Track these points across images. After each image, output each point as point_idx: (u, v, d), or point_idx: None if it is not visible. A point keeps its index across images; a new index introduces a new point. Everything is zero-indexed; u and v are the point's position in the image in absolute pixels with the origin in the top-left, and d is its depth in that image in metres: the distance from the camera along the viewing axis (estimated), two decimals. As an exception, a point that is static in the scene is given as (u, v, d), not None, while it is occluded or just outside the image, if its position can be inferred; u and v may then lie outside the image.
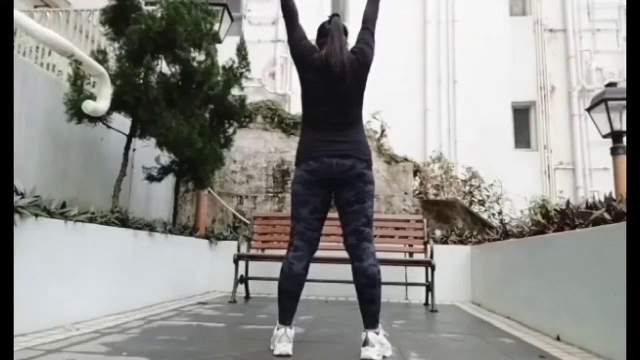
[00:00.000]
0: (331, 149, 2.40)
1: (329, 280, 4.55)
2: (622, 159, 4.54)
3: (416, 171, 7.72)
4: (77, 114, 4.12)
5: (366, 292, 2.32)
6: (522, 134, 10.65)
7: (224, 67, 5.18)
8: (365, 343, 2.24)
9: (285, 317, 2.35)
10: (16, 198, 2.50)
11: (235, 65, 5.25)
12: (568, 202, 3.40)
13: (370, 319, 2.31)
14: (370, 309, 2.32)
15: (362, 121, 2.57)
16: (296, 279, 2.37)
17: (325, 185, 2.42)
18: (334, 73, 2.39)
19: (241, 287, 4.79)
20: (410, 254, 4.95)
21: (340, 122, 2.45)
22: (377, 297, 2.33)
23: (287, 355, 2.23)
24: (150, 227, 4.04)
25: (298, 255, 2.38)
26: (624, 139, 4.71)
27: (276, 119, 7.48)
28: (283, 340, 2.27)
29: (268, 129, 7.43)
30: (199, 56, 4.80)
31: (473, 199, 8.00)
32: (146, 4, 4.83)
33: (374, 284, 2.32)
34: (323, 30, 2.57)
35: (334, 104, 2.44)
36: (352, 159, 2.39)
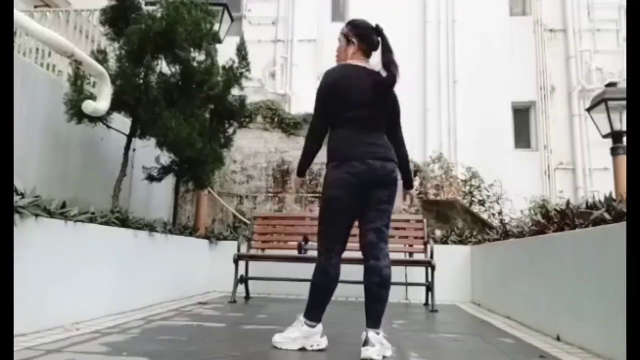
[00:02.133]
0: (374, 152, 2.43)
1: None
2: (622, 159, 4.54)
3: (416, 171, 7.72)
4: (77, 114, 4.12)
5: (377, 291, 2.36)
6: (522, 134, 10.64)
7: (224, 67, 5.18)
8: (366, 343, 2.25)
9: (321, 315, 2.47)
10: (16, 198, 2.50)
11: (235, 65, 5.25)
12: (568, 202, 3.40)
13: (374, 319, 2.34)
14: (377, 309, 2.35)
15: None
16: (336, 280, 2.46)
17: (367, 187, 2.42)
18: (384, 84, 2.49)
19: (241, 287, 4.79)
20: (410, 254, 4.95)
21: (376, 125, 2.51)
22: (386, 298, 2.39)
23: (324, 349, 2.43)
24: (150, 227, 4.04)
25: (337, 259, 2.45)
26: (624, 139, 4.71)
27: (276, 119, 7.49)
28: (323, 334, 2.47)
29: (268, 129, 7.43)
30: (199, 56, 4.80)
31: (473, 199, 8.00)
32: (146, 4, 4.83)
33: (385, 285, 2.37)
34: (375, 35, 2.56)
35: (373, 108, 2.50)
36: (392, 162, 2.48)
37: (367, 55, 2.58)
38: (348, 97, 2.47)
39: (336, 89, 2.48)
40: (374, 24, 2.59)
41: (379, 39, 2.55)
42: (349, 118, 2.47)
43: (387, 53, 2.51)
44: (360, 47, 2.56)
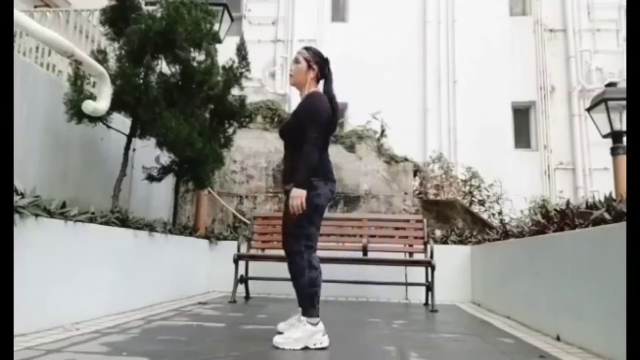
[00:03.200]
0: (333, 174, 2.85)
1: (329, 280, 4.54)
2: (622, 159, 4.54)
3: (416, 171, 7.72)
4: (77, 114, 4.12)
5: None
6: (522, 134, 10.64)
7: (224, 67, 5.17)
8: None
9: (318, 309, 2.58)
10: (16, 198, 2.50)
11: (235, 65, 5.24)
12: (568, 202, 3.40)
13: None
14: None
15: None
16: (321, 272, 2.68)
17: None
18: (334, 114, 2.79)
19: (241, 287, 4.79)
20: (410, 254, 4.95)
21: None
22: None
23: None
24: (150, 227, 4.04)
25: (316, 255, 2.72)
26: (624, 139, 4.71)
27: (276, 119, 7.49)
28: (325, 333, 2.54)
29: (268, 129, 7.43)
30: (199, 56, 4.79)
31: (473, 199, 8.00)
32: (146, 4, 4.83)
33: None
34: (327, 69, 2.84)
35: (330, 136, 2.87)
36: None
37: (319, 82, 2.86)
38: (329, 124, 2.76)
39: (328, 115, 2.74)
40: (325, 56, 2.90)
41: (328, 69, 2.84)
42: (326, 142, 2.80)
43: (331, 85, 2.81)
44: (317, 75, 2.83)
